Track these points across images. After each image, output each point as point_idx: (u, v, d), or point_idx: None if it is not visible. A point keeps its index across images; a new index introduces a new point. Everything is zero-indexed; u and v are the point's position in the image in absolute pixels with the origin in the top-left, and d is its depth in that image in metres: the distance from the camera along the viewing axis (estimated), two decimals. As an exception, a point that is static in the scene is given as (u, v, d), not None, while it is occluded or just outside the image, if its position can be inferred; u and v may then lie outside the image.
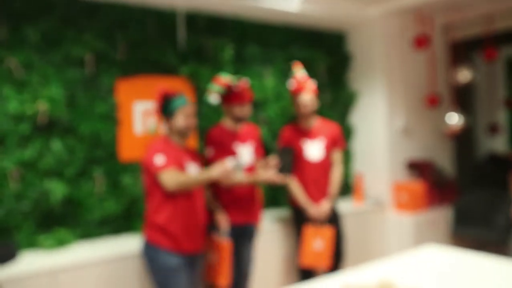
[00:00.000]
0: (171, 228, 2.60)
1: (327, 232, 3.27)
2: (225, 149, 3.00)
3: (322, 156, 3.40)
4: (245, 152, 3.09)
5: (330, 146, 3.45)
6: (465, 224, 4.46)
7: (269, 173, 2.90)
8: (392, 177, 4.45)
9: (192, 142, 3.58)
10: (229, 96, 2.99)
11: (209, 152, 3.01)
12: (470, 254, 2.47)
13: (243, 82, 2.98)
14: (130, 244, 3.05)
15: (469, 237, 4.36)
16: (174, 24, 3.56)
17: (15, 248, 2.77)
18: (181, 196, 2.61)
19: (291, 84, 3.40)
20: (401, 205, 4.35)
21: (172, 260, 2.58)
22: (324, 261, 3.26)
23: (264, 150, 3.41)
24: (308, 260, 3.28)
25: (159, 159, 2.54)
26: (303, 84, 3.36)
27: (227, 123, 3.10)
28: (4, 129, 2.87)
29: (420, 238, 4.22)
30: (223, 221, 2.93)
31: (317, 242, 3.26)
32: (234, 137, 3.07)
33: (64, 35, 3.09)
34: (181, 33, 3.50)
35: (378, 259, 4.03)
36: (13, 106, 2.89)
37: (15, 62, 2.91)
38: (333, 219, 3.41)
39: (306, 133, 3.44)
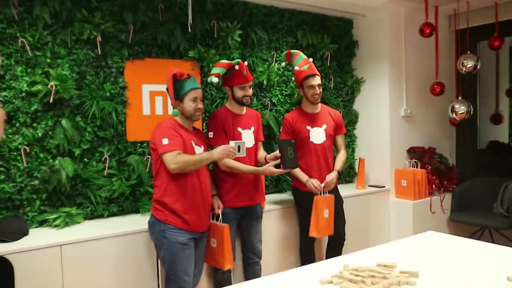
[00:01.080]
0: (178, 207, 2.68)
1: (331, 200, 3.41)
2: (227, 132, 3.06)
3: (325, 139, 3.51)
4: (247, 136, 3.15)
5: (333, 131, 3.56)
6: (464, 210, 4.53)
7: (274, 169, 3.03)
8: (394, 163, 4.51)
9: (198, 125, 3.62)
10: (230, 77, 3.07)
11: (210, 135, 3.09)
12: (468, 240, 2.53)
13: (242, 63, 3.03)
14: (137, 222, 3.12)
15: (468, 224, 4.42)
16: (183, 7, 3.57)
17: (26, 224, 2.85)
18: (186, 175, 2.68)
19: (299, 67, 3.45)
20: (402, 191, 4.41)
21: (180, 237, 2.67)
22: (329, 228, 3.41)
23: (265, 135, 3.47)
24: (321, 230, 3.38)
25: (164, 141, 2.62)
26: (313, 67, 3.45)
27: (230, 106, 3.15)
28: (15, 107, 2.92)
29: (420, 224, 4.30)
30: (218, 206, 3.01)
31: (326, 211, 3.38)
32: (237, 120, 3.12)
33: (75, 15, 3.12)
34: (190, 16, 3.52)
35: (378, 243, 4.10)
36: (24, 84, 2.94)
37: (27, 41, 2.95)
38: (336, 195, 3.54)
39: (312, 118, 3.52)
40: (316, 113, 3.55)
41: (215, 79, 3.00)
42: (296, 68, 3.47)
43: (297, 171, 3.44)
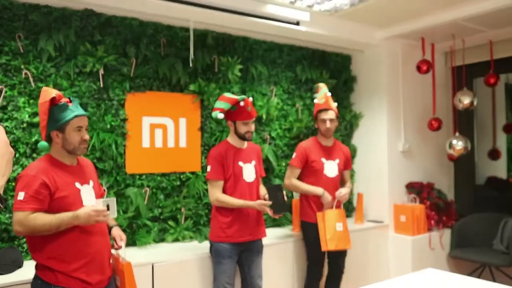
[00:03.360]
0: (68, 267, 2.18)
1: (343, 213, 3.48)
2: (228, 166, 3.05)
3: (337, 174, 3.59)
4: (248, 170, 3.14)
5: (343, 166, 3.66)
6: (464, 247, 4.49)
7: (262, 205, 3.02)
8: (392, 199, 4.50)
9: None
10: (234, 112, 3.06)
11: (208, 169, 3.06)
12: (468, 279, 2.50)
13: (247, 100, 3.05)
14: (134, 255, 3.07)
15: (468, 260, 4.37)
16: (185, 42, 3.64)
17: (21, 256, 2.81)
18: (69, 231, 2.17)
19: (318, 101, 3.59)
20: (401, 227, 4.38)
21: None
22: (346, 241, 3.43)
23: (264, 169, 3.48)
24: (334, 243, 3.38)
25: (20, 195, 2.09)
26: (329, 102, 3.54)
27: (232, 140, 3.16)
28: (16, 138, 2.94)
29: (419, 260, 4.25)
30: (121, 238, 2.48)
31: (339, 224, 3.41)
32: (238, 154, 3.12)
33: (79, 48, 3.17)
34: (191, 51, 3.58)
35: (377, 279, 4.05)
36: (25, 115, 2.96)
37: (31, 73, 2.99)
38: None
39: (327, 151, 3.61)
40: (330, 147, 3.64)
41: (220, 115, 2.99)
42: (315, 101, 3.64)
43: (310, 188, 3.50)
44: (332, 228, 3.40)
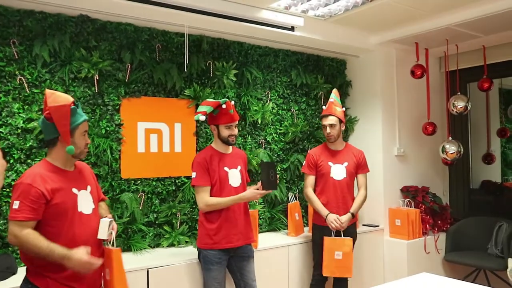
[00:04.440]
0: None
1: (347, 242, 3.44)
2: (213, 171, 3.02)
3: (345, 176, 3.60)
4: (234, 175, 3.11)
5: (354, 170, 3.66)
6: (459, 250, 4.49)
7: (251, 190, 2.98)
8: (387, 203, 4.51)
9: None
10: (217, 116, 3.05)
11: (193, 175, 3.02)
12: (463, 283, 2.50)
13: (229, 102, 3.03)
14: (129, 261, 3.07)
15: (463, 264, 4.38)
16: (180, 47, 3.65)
17: (15, 262, 2.80)
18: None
19: (325, 107, 3.65)
20: (396, 231, 4.39)
21: None
22: (345, 269, 3.42)
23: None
24: (330, 270, 3.43)
25: (15, 204, 2.06)
26: (330, 108, 3.60)
27: (215, 145, 3.14)
28: (10, 143, 2.93)
29: (415, 264, 4.25)
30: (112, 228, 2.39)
31: (337, 252, 3.42)
32: (223, 159, 3.09)
33: (73, 54, 3.17)
34: (186, 56, 3.58)
35: (372, 283, 4.05)
36: (20, 121, 2.96)
37: (25, 79, 2.99)
38: (351, 233, 3.58)
39: (335, 155, 3.65)
40: (339, 151, 3.68)
41: (202, 117, 2.98)
42: (324, 107, 3.69)
43: (319, 206, 3.54)
44: (330, 255, 3.43)
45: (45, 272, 2.11)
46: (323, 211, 3.52)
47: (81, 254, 2.09)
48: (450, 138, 4.48)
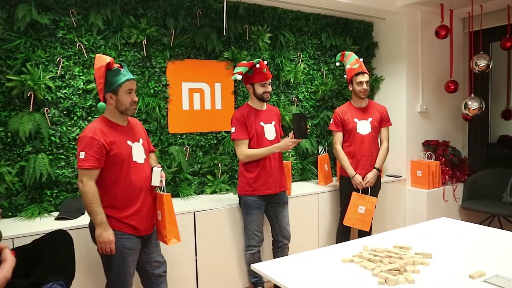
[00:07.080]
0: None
1: (370, 200, 3.50)
2: (250, 126, 3.08)
3: (370, 131, 3.59)
4: (269, 130, 3.15)
5: (378, 124, 3.63)
6: (475, 199, 4.48)
7: (284, 140, 3.03)
8: (409, 155, 4.49)
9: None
10: (251, 76, 3.07)
11: (232, 130, 3.08)
12: (478, 226, 2.53)
13: (262, 62, 3.04)
14: (179, 205, 3.22)
15: (479, 211, 4.37)
16: (218, 13, 3.64)
17: (83, 204, 2.97)
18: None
19: (351, 66, 3.57)
20: (417, 181, 4.39)
21: (130, 243, 2.34)
22: (364, 223, 3.50)
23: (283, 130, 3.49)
24: (351, 221, 3.52)
25: (81, 155, 2.20)
26: (363, 66, 3.56)
27: (252, 103, 3.17)
28: (73, 103, 3.06)
29: (434, 211, 4.27)
30: (161, 177, 2.48)
31: (361, 207, 3.49)
32: (259, 115, 3.13)
33: (124, 21, 3.23)
34: (225, 21, 3.58)
35: (395, 227, 4.11)
36: (80, 83, 3.07)
37: (83, 45, 3.08)
38: (375, 189, 3.63)
39: (359, 111, 3.62)
40: (363, 107, 3.64)
41: (239, 76, 3.02)
42: (348, 66, 3.61)
43: (347, 164, 3.55)
44: (354, 208, 3.50)
45: (109, 213, 2.27)
46: (350, 170, 3.54)
47: (110, 235, 2.24)
48: (472, 95, 4.37)
